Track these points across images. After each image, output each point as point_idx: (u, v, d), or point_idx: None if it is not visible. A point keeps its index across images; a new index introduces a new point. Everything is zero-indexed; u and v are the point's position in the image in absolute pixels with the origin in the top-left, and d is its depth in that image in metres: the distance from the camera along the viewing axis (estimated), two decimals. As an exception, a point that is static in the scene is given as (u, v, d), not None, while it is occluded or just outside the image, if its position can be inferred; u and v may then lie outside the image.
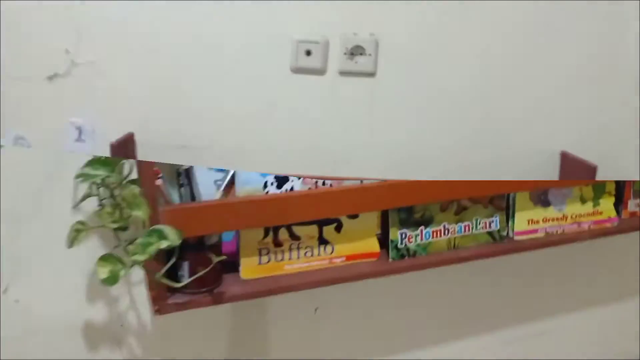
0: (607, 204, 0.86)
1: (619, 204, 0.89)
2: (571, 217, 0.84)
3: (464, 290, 0.91)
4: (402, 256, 0.75)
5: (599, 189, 0.85)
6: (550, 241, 0.83)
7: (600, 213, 0.86)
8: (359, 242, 0.73)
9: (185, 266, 0.64)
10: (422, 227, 0.75)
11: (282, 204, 0.66)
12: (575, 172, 0.69)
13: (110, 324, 0.70)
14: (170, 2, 0.64)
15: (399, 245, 0.75)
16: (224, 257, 0.61)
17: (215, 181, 0.68)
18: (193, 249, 0.63)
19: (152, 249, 0.56)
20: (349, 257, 0.73)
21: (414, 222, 0.75)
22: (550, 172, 0.71)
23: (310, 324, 0.84)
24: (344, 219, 0.72)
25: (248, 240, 0.68)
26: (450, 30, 0.67)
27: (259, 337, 0.81)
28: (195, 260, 0.63)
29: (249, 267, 0.69)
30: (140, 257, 0.56)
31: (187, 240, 0.60)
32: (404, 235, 0.75)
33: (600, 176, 0.73)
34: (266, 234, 0.69)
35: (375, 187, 0.69)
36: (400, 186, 0.70)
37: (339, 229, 0.72)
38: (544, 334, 1.01)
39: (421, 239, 0.76)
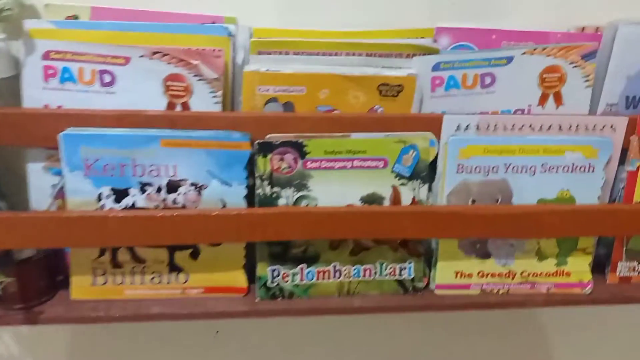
0: (579, 264, 0.65)
1: (607, 265, 0.67)
2: (521, 275, 0.65)
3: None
4: (274, 296, 0.62)
5: (567, 244, 0.64)
6: (488, 302, 0.65)
7: (568, 274, 0.65)
8: (221, 273, 0.61)
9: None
10: (302, 266, 0.62)
11: (119, 225, 0.56)
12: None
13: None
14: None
15: (269, 284, 0.61)
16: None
17: (53, 185, 0.59)
18: (4, 262, 0.56)
19: None
20: (207, 290, 0.62)
21: (291, 258, 0.61)
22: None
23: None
24: (202, 245, 0.61)
25: (79, 257, 0.59)
26: None
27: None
28: (7, 273, 0.56)
29: (81, 287, 0.60)
30: None
31: None
32: (276, 273, 0.61)
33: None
34: (102, 253, 0.60)
35: (244, 214, 0.57)
36: (275, 216, 0.57)
37: (195, 255, 0.61)
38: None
39: (301, 280, 0.62)
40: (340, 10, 0.61)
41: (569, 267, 0.65)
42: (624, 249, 0.66)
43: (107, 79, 0.56)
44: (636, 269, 0.67)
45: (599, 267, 0.67)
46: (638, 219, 0.61)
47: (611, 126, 0.61)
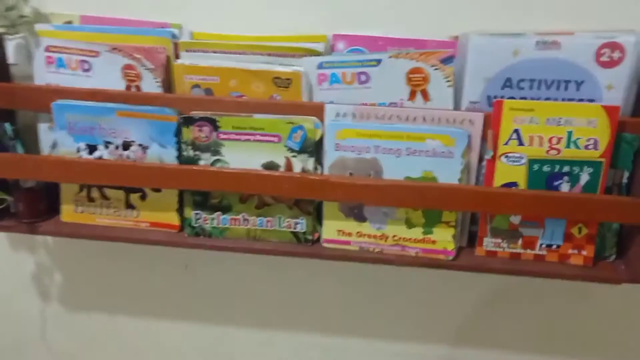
0: (443, 235, 0.77)
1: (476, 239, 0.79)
2: (392, 238, 0.79)
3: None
4: (197, 234, 0.82)
5: (432, 216, 0.77)
6: (366, 257, 0.80)
7: (433, 242, 0.78)
8: (162, 212, 0.83)
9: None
10: (218, 213, 0.81)
11: (89, 168, 0.79)
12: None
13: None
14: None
15: (194, 224, 0.82)
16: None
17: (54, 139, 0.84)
18: (15, 187, 0.83)
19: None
20: (152, 224, 0.84)
21: (210, 206, 0.81)
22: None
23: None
24: (148, 190, 0.83)
25: (66, 191, 0.84)
26: None
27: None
28: (17, 197, 0.83)
29: (68, 213, 0.85)
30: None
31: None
32: (198, 216, 0.82)
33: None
34: (81, 190, 0.84)
35: (173, 169, 0.78)
36: (198, 173, 0.77)
37: (143, 197, 0.83)
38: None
39: (218, 224, 0.82)
40: (258, 19, 0.79)
41: (435, 236, 0.78)
42: (489, 226, 0.78)
43: (86, 66, 0.79)
44: (501, 245, 0.78)
45: (475, 241, 0.79)
46: (490, 200, 0.73)
47: (470, 120, 0.73)
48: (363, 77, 0.75)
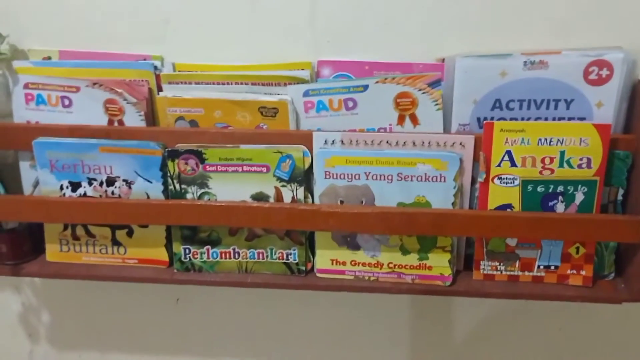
0: (439, 260, 0.76)
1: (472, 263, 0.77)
2: (388, 265, 0.77)
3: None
4: (188, 269, 0.80)
5: (426, 242, 0.75)
6: (361, 287, 0.78)
7: (430, 268, 0.76)
8: (150, 248, 0.81)
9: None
10: (208, 247, 0.79)
11: (72, 207, 0.77)
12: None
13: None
14: None
15: (183, 259, 0.80)
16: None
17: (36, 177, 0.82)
18: (-3, 230, 0.80)
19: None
20: (141, 260, 0.82)
21: (199, 240, 0.79)
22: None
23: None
24: (135, 226, 0.80)
25: (50, 230, 0.82)
26: None
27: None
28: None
29: (53, 252, 0.82)
30: None
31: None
32: (187, 251, 0.79)
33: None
34: (65, 228, 0.81)
35: (160, 205, 0.76)
36: (186, 208, 0.75)
37: (130, 234, 0.81)
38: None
39: (208, 257, 0.80)
40: (240, 49, 0.77)
41: (430, 262, 0.76)
42: (485, 249, 0.76)
43: (67, 102, 0.77)
44: (498, 268, 0.77)
45: (472, 264, 0.78)
46: (485, 224, 0.71)
47: (460, 143, 0.72)
48: (350, 104, 0.74)
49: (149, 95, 0.76)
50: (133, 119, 0.77)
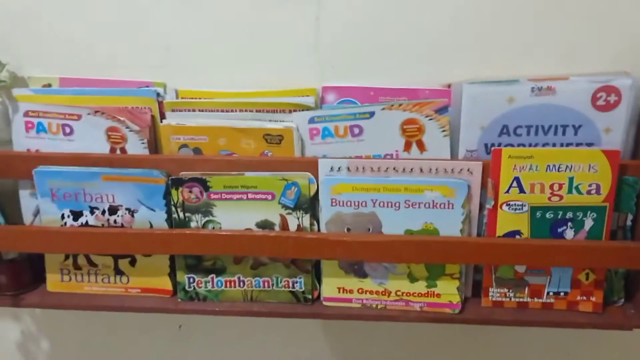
0: (447, 287, 0.75)
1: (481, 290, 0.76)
2: (395, 293, 0.76)
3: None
4: (192, 298, 0.79)
5: (434, 269, 0.74)
6: (369, 315, 0.77)
7: (438, 295, 0.75)
8: (153, 278, 0.79)
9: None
10: (212, 275, 0.78)
11: (73, 237, 0.76)
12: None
13: None
14: None
15: (187, 288, 0.78)
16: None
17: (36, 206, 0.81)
18: (-3, 260, 0.79)
19: None
20: (144, 290, 0.80)
21: (203, 269, 0.78)
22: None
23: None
24: (138, 255, 0.79)
25: (51, 259, 0.80)
26: None
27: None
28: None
29: (54, 282, 0.81)
30: None
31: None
32: (191, 280, 0.78)
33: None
34: (67, 257, 0.80)
35: (164, 234, 0.74)
36: (190, 237, 0.74)
37: (133, 263, 0.79)
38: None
39: (212, 286, 0.78)
40: (244, 74, 0.77)
41: (439, 290, 0.75)
42: (493, 276, 0.75)
43: (68, 130, 0.76)
44: (507, 295, 0.76)
45: (480, 290, 0.77)
46: (493, 252, 0.71)
47: (468, 169, 0.71)
48: (356, 130, 0.73)
49: (152, 122, 0.75)
50: (136, 146, 0.76)
